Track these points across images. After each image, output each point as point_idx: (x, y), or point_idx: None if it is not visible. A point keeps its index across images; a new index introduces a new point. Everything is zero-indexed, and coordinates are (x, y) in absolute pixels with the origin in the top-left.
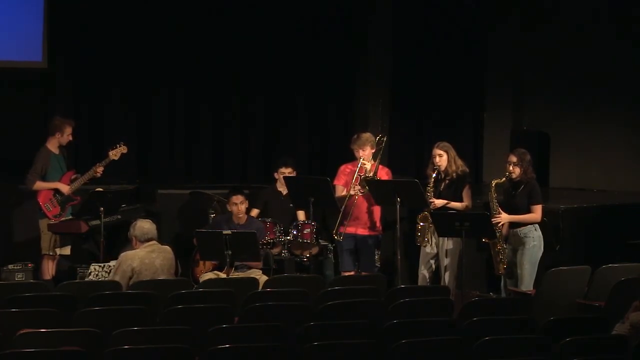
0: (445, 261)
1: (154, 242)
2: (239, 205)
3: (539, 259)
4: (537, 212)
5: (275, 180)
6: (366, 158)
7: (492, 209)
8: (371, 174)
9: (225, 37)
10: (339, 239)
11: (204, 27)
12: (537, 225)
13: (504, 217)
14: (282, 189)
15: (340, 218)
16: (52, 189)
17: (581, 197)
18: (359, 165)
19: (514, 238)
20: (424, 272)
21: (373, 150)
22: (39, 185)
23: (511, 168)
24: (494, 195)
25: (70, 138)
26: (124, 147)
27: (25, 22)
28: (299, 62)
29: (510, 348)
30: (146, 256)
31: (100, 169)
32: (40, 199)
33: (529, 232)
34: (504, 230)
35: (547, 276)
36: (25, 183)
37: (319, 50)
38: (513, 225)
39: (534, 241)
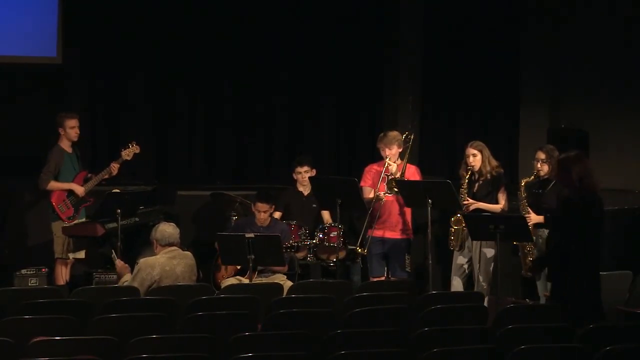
0: (479, 266)
1: (175, 247)
2: (261, 213)
3: None
4: None
5: (295, 181)
6: (393, 157)
7: (522, 209)
8: (398, 174)
9: (248, 32)
10: (362, 252)
11: (225, 23)
12: None
13: (533, 218)
14: (303, 189)
15: (364, 228)
16: (65, 189)
17: (622, 198)
18: (385, 165)
19: (541, 238)
20: (456, 278)
21: (400, 149)
22: (53, 185)
23: (539, 165)
24: (524, 195)
25: (77, 132)
26: (136, 146)
27: (39, 16)
28: (324, 57)
29: (547, 357)
30: (167, 263)
31: (115, 169)
32: (54, 200)
33: None
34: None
35: None
36: (38, 183)
37: (346, 46)
38: (540, 225)
39: None
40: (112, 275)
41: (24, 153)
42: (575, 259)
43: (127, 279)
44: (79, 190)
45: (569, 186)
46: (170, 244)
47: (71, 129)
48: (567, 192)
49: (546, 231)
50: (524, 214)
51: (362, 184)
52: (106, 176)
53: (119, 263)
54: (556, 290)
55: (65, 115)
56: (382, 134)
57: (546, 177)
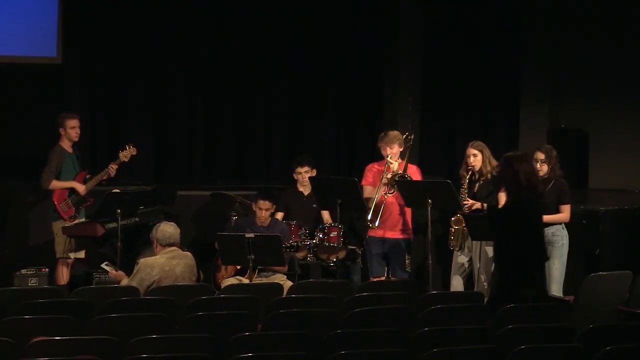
0: (480, 265)
1: (175, 247)
2: (263, 211)
3: (566, 257)
4: (566, 212)
5: (295, 181)
6: (393, 156)
7: None
8: (401, 172)
9: (249, 32)
10: (373, 226)
11: (225, 23)
12: (563, 224)
13: None
14: (303, 189)
15: (373, 211)
16: (67, 188)
17: (622, 198)
18: (386, 165)
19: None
20: (457, 277)
21: (401, 149)
22: (55, 184)
23: (538, 166)
24: None
25: (77, 132)
26: (133, 148)
27: (39, 16)
28: (324, 57)
29: (547, 357)
30: (166, 263)
31: (113, 170)
32: (55, 199)
33: (556, 231)
34: None
35: (586, 282)
36: (40, 182)
37: (346, 46)
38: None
39: (562, 240)
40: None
41: (24, 153)
42: (520, 254)
43: (125, 282)
44: (81, 188)
45: (515, 184)
46: (171, 244)
47: (72, 129)
48: (512, 190)
49: (547, 231)
50: None
51: (363, 182)
52: (105, 177)
53: (112, 272)
54: (502, 282)
55: (66, 116)
56: (382, 134)
57: (545, 176)
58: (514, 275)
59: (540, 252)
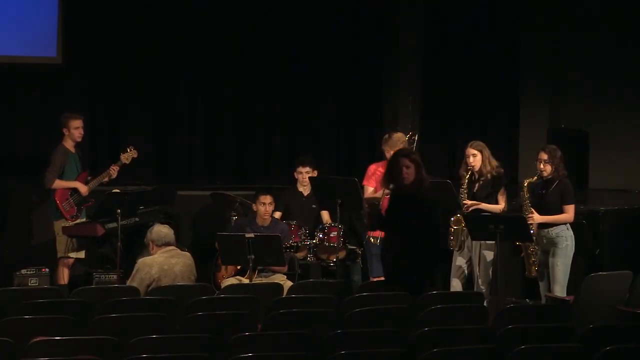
0: (479, 268)
1: (172, 247)
2: (267, 205)
3: (571, 259)
4: (570, 212)
5: (296, 181)
6: None
7: (525, 209)
8: None
9: (249, 32)
10: (375, 242)
11: (225, 22)
12: (568, 224)
13: (536, 218)
14: (303, 189)
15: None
16: (69, 188)
17: (622, 198)
18: None
19: (545, 239)
20: (455, 279)
21: None
22: (58, 184)
23: (542, 166)
24: (527, 195)
25: (81, 132)
26: (134, 151)
27: (39, 16)
28: (324, 57)
29: (547, 357)
30: (165, 262)
31: (114, 171)
32: (58, 198)
33: (561, 231)
34: (534, 231)
35: (586, 282)
36: (43, 181)
37: (346, 46)
38: (543, 225)
39: (567, 241)
40: (112, 275)
41: (24, 153)
42: (397, 252)
43: None
44: (83, 188)
45: (416, 180)
46: (167, 244)
47: (75, 129)
48: (398, 185)
49: (552, 231)
50: (527, 214)
51: (365, 182)
52: (106, 179)
53: None
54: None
55: (70, 116)
56: (386, 136)
57: (549, 177)
58: (392, 272)
59: (420, 252)
